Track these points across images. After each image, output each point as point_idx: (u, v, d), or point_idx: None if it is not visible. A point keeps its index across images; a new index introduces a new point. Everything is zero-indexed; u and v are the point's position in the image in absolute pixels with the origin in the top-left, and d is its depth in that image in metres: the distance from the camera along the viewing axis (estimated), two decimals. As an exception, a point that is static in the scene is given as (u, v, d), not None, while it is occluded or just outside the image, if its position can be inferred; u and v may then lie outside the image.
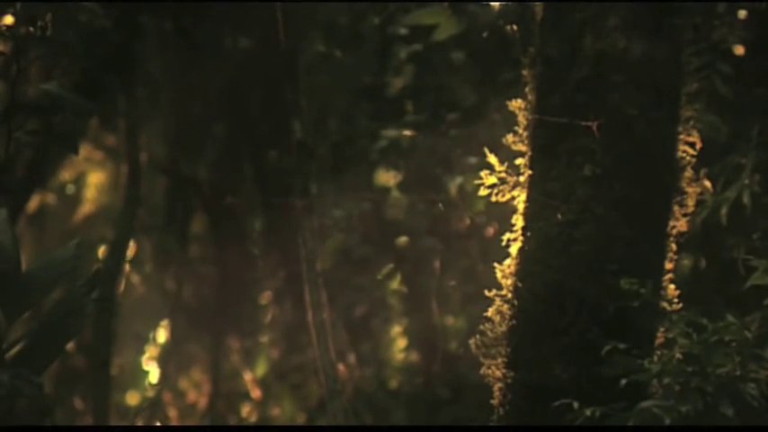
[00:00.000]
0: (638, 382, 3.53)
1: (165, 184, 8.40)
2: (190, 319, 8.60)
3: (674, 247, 3.87)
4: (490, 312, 3.89)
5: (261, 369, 8.44)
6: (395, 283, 7.63)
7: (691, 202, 3.89)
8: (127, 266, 8.38)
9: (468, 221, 7.01)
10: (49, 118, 4.20)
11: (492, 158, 3.97)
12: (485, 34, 6.55)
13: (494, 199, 3.98)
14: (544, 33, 3.92)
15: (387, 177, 7.36)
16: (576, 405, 3.54)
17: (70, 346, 7.22)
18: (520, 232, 3.88)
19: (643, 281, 3.62)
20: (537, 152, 3.89)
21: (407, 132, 7.01)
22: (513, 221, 3.90)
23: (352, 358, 7.72)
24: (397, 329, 7.89)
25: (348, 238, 7.44)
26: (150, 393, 8.64)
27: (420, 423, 7.43)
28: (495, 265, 3.91)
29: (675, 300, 3.81)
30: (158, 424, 8.40)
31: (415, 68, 7.16)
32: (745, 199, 5.29)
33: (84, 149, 8.05)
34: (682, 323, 3.57)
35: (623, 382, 3.50)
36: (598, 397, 3.57)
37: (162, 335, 8.78)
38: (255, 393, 8.46)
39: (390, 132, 7.06)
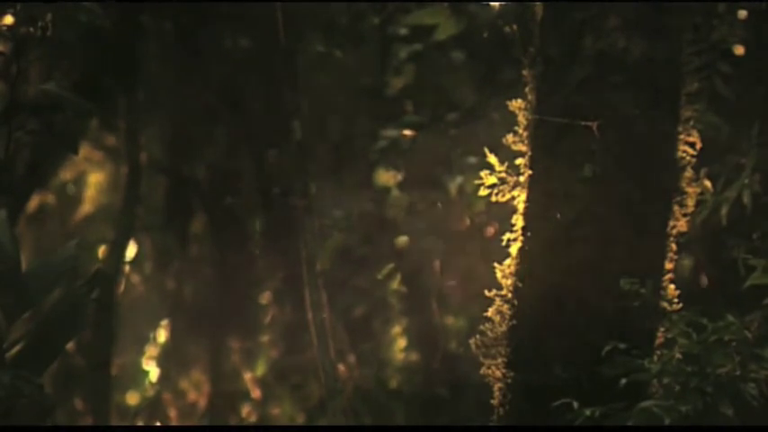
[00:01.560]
0: (638, 382, 3.53)
1: (164, 184, 8.40)
2: (190, 319, 8.60)
3: (674, 247, 3.87)
4: (490, 312, 3.89)
5: (261, 369, 8.44)
6: (395, 283, 7.64)
7: (691, 202, 3.89)
8: (127, 266, 8.38)
9: (468, 221, 7.01)
10: (49, 118, 4.20)
11: (492, 158, 3.98)
12: (485, 34, 6.56)
13: (494, 199, 3.98)
14: (544, 33, 3.92)
15: (387, 177, 7.36)
16: (575, 405, 3.54)
17: (70, 346, 7.22)
18: (520, 232, 3.88)
19: (643, 281, 3.62)
20: (537, 152, 3.89)
21: (407, 132, 7.01)
22: (513, 221, 3.91)
23: (352, 358, 7.73)
24: (397, 329, 7.89)
25: (348, 238, 7.45)
26: (150, 393, 8.65)
27: (420, 423, 7.43)
28: (495, 265, 3.91)
29: (675, 300, 3.81)
30: (158, 424, 8.40)
31: (415, 68, 7.16)
32: (745, 199, 5.29)
33: (84, 149, 8.06)
34: (682, 323, 3.57)
35: (623, 382, 3.50)
36: (598, 397, 3.57)
37: (162, 335, 8.78)
38: (255, 393, 8.46)
39: (390, 132, 7.06)
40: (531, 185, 3.88)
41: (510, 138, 3.95)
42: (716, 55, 5.41)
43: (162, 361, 8.71)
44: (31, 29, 4.28)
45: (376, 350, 7.94)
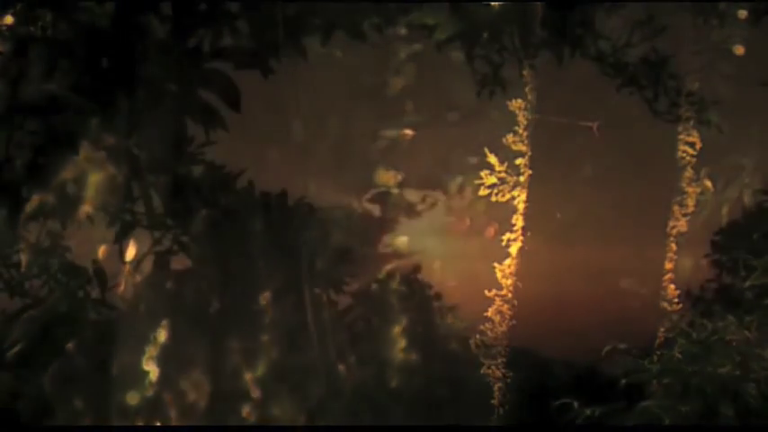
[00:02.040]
0: (638, 382, 3.54)
1: (164, 184, 8.39)
2: (190, 319, 8.60)
3: (674, 247, 3.87)
4: (490, 312, 3.90)
5: (261, 369, 8.43)
6: (395, 283, 7.64)
7: (691, 202, 3.90)
8: (127, 266, 8.38)
9: (468, 221, 7.01)
10: (49, 118, 4.21)
11: (492, 158, 3.98)
12: (485, 34, 6.55)
13: (494, 199, 3.99)
14: (544, 33, 3.93)
15: (387, 177, 7.36)
16: (576, 405, 3.54)
17: (70, 346, 7.23)
18: (520, 232, 3.88)
19: (643, 281, 3.62)
20: (537, 152, 3.89)
21: (407, 132, 7.01)
22: (513, 221, 3.91)
23: (352, 358, 7.72)
24: (397, 329, 7.89)
25: (348, 238, 7.45)
26: (150, 393, 8.64)
27: (420, 423, 7.43)
28: (495, 265, 3.91)
29: (675, 300, 3.81)
30: (158, 424, 8.40)
31: (415, 68, 7.16)
32: (746, 199, 5.30)
33: (84, 149, 8.05)
34: (682, 323, 3.58)
35: (623, 382, 3.51)
36: (598, 397, 3.58)
37: (162, 335, 8.77)
38: (255, 393, 8.46)
39: (390, 132, 7.06)
40: (531, 185, 3.88)
41: (510, 138, 3.96)
42: (716, 55, 5.41)
43: (162, 361, 8.70)
44: (31, 29, 4.28)
45: (376, 350, 7.94)
